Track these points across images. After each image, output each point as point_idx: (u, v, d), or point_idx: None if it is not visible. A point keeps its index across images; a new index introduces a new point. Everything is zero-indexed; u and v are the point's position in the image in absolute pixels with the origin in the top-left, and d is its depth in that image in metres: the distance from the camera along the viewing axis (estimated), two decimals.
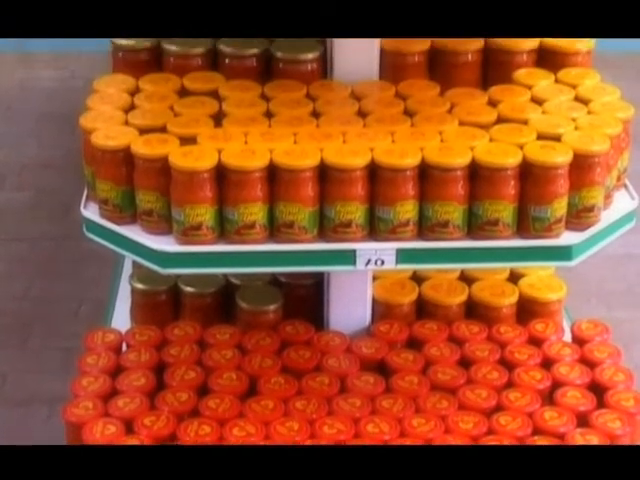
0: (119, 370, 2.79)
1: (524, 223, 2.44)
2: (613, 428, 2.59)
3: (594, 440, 2.55)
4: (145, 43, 2.78)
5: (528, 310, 3.01)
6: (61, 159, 4.45)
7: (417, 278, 3.03)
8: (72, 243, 3.92)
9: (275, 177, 2.38)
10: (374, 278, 2.96)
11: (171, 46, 2.76)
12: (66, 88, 4.99)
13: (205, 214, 2.38)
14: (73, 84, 5.02)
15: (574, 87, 2.68)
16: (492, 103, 2.62)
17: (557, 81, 2.72)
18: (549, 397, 2.73)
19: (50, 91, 5.05)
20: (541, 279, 3.06)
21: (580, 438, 2.56)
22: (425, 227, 2.44)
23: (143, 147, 2.41)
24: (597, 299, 3.77)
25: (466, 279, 3.04)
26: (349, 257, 2.44)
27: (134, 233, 2.46)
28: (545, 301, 3.01)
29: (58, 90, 5.02)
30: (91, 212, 2.54)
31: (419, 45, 2.75)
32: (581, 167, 2.43)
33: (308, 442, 2.52)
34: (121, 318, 3.13)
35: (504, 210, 2.41)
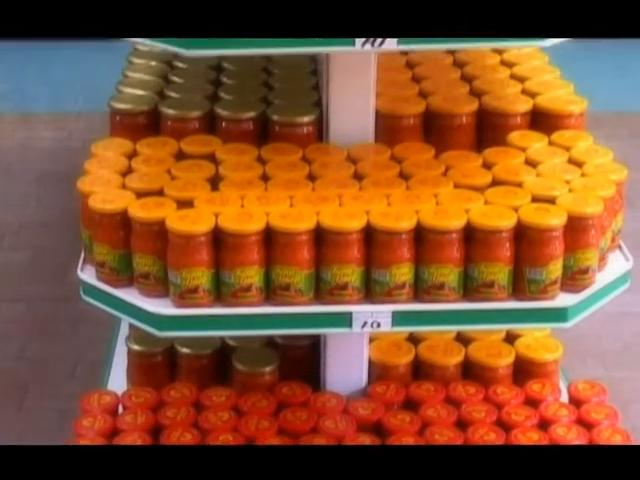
0: (115, 432, 2.79)
1: (519, 285, 2.46)
2: None
3: None
4: (143, 107, 2.81)
5: (525, 371, 3.01)
6: (59, 219, 4.47)
7: (413, 339, 3.04)
8: (68, 304, 3.92)
9: (271, 240, 2.40)
10: (370, 339, 2.96)
11: (168, 110, 2.79)
12: (65, 148, 5.03)
13: (202, 277, 2.39)
14: (71, 144, 5.06)
15: (568, 149, 2.71)
16: (487, 165, 2.65)
17: (551, 143, 2.74)
18: None
19: (49, 151, 5.09)
20: (537, 340, 3.06)
21: None
22: (421, 289, 2.45)
23: (140, 211, 2.42)
24: (593, 358, 3.77)
25: (462, 339, 3.05)
26: (345, 320, 2.44)
27: (131, 296, 2.47)
28: (541, 362, 3.01)
29: (57, 150, 5.06)
30: (88, 275, 2.55)
31: (414, 108, 2.78)
32: (575, 229, 2.45)
33: None
34: (117, 379, 3.13)
35: (499, 272, 2.42)
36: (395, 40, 2.27)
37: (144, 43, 2.34)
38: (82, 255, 2.61)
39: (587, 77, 5.35)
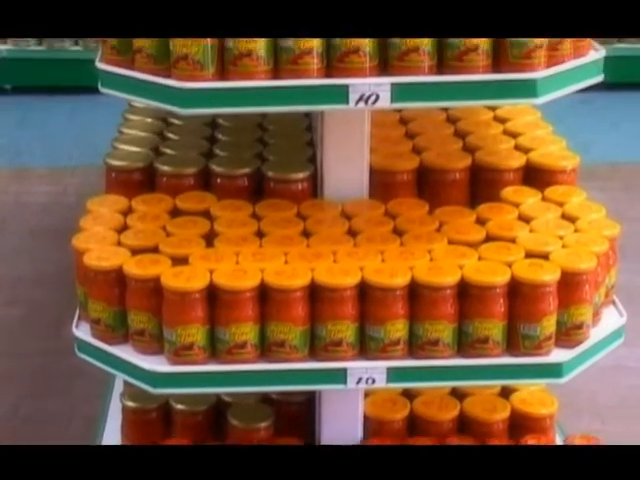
0: None
1: (514, 341, 2.46)
2: None
3: None
4: (138, 164, 2.83)
5: (520, 425, 3.00)
6: (54, 274, 4.47)
7: (409, 394, 3.03)
8: (63, 359, 3.91)
9: (266, 297, 2.40)
10: (365, 394, 2.96)
11: (164, 167, 2.80)
12: (59, 203, 5.04)
13: (196, 334, 2.39)
14: (66, 199, 5.08)
15: (561, 205, 2.72)
16: (480, 221, 2.66)
17: (544, 199, 2.76)
18: None
19: (44, 206, 5.10)
20: (532, 394, 3.06)
21: None
22: (415, 345, 2.45)
23: (135, 268, 2.43)
24: (589, 412, 3.76)
25: (458, 394, 3.04)
26: (340, 376, 2.44)
27: (126, 353, 2.47)
28: (537, 416, 3.00)
29: (52, 205, 5.07)
30: (83, 332, 2.55)
31: (408, 163, 2.80)
32: (569, 285, 2.45)
33: None
34: (112, 435, 3.12)
35: (494, 328, 2.43)
36: (388, 98, 2.29)
37: (139, 101, 2.37)
38: (77, 312, 2.61)
39: (581, 129, 5.41)
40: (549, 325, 2.44)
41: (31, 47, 5.69)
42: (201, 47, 2.26)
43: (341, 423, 2.90)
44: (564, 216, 2.68)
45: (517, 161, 2.83)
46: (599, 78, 2.49)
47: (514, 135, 2.99)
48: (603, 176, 5.31)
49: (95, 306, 2.48)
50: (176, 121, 3.14)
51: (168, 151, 2.92)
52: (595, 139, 5.67)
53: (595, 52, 2.49)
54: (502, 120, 3.08)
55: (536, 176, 2.83)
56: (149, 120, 3.16)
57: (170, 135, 3.06)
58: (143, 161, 2.84)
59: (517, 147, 2.93)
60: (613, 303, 2.68)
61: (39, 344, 4.12)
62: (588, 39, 2.47)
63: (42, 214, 5.03)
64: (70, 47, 5.71)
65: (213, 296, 2.40)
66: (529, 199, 2.74)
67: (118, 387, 3.26)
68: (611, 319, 2.64)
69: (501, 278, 2.41)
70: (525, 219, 2.66)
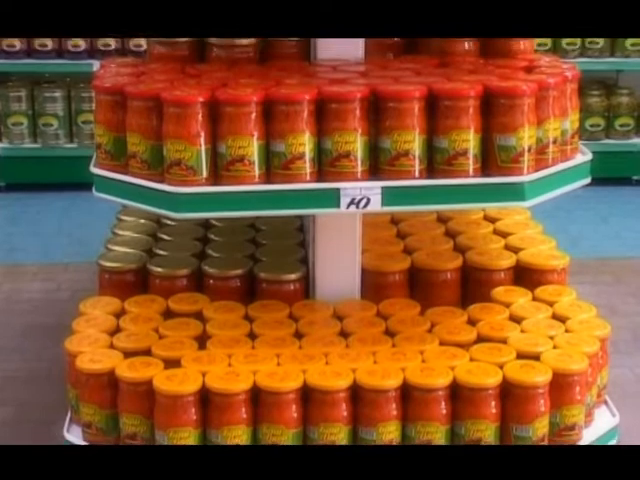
0: None
1: (507, 442, 2.45)
2: None
3: None
4: (131, 265, 2.85)
5: None
6: (45, 372, 4.44)
7: None
8: None
9: (258, 399, 2.40)
10: None
11: (157, 268, 2.82)
12: (53, 300, 5.03)
13: (189, 437, 2.38)
14: (60, 295, 5.06)
15: (551, 304, 2.74)
16: (472, 322, 2.67)
17: (534, 299, 2.78)
18: None
19: (37, 302, 5.09)
20: None
21: None
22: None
23: (127, 371, 2.43)
24: None
25: None
26: None
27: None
28: None
29: (45, 302, 5.06)
30: (74, 436, 2.54)
31: (399, 264, 2.82)
32: (561, 386, 2.46)
33: None
34: None
35: (486, 430, 2.42)
36: (379, 202, 2.33)
37: (133, 206, 2.41)
38: (68, 414, 2.60)
39: (571, 223, 5.45)
40: (541, 427, 2.44)
41: (26, 144, 5.74)
42: (194, 152, 2.30)
43: None
44: (555, 316, 2.70)
45: (507, 261, 2.86)
46: (586, 180, 2.54)
47: (504, 235, 3.02)
48: (594, 270, 5.33)
49: (87, 409, 2.48)
50: (169, 222, 3.17)
51: (161, 252, 2.95)
52: (585, 233, 5.71)
53: (582, 155, 2.53)
54: (492, 220, 3.12)
55: (526, 276, 2.86)
56: (142, 221, 3.19)
57: (163, 236, 3.08)
58: (136, 263, 2.86)
59: (507, 247, 2.96)
60: (605, 403, 2.68)
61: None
62: (575, 144, 2.52)
63: (34, 311, 5.02)
64: (65, 144, 5.76)
65: (205, 398, 2.40)
66: (520, 299, 2.76)
67: None
68: (604, 419, 2.64)
69: (493, 380, 2.42)
70: (516, 319, 2.68)
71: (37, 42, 5.55)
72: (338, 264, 2.73)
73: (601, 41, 5.69)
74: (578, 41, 5.72)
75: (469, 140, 2.35)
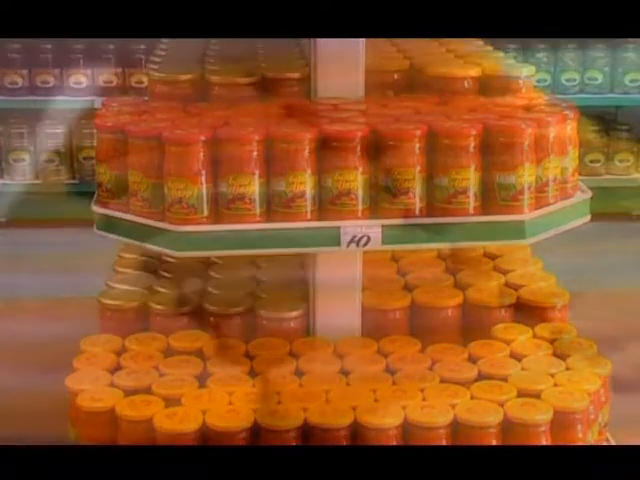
0: None
1: None
2: None
3: None
4: (132, 303, 2.85)
5: None
6: (45, 411, 4.43)
7: None
8: None
9: (259, 438, 2.40)
10: None
11: (157, 305, 2.82)
12: (52, 336, 5.03)
13: None
14: (59, 332, 5.06)
15: (552, 342, 2.74)
16: (472, 359, 2.67)
17: (535, 336, 2.78)
18: None
19: (36, 339, 5.09)
20: None
21: None
22: None
23: (127, 409, 2.43)
24: None
25: None
26: None
27: None
28: None
29: (44, 338, 5.06)
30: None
31: (399, 302, 2.82)
32: (562, 424, 2.45)
33: None
34: None
35: None
36: (379, 240, 2.33)
37: (135, 244, 2.41)
38: None
39: (571, 257, 5.47)
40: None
41: (27, 181, 5.76)
42: (195, 191, 2.31)
43: None
44: (555, 353, 2.70)
45: (507, 298, 2.86)
46: (586, 218, 2.55)
47: (504, 272, 3.02)
48: (594, 304, 5.33)
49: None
50: (170, 259, 3.17)
51: (162, 290, 2.95)
52: (585, 268, 5.72)
53: (581, 193, 2.54)
54: (492, 256, 3.13)
55: (527, 312, 2.86)
56: (144, 258, 3.19)
57: (164, 273, 3.08)
58: (137, 300, 2.86)
59: (507, 284, 2.96)
60: (607, 441, 2.68)
61: None
62: (575, 182, 2.53)
63: (34, 348, 5.02)
64: (66, 181, 5.78)
65: (206, 437, 2.39)
66: (520, 336, 2.76)
67: None
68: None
69: (493, 418, 2.41)
70: (516, 357, 2.67)
71: (39, 79, 5.59)
72: (338, 301, 2.73)
73: (600, 77, 5.73)
74: (577, 77, 5.76)
75: (469, 178, 2.36)
